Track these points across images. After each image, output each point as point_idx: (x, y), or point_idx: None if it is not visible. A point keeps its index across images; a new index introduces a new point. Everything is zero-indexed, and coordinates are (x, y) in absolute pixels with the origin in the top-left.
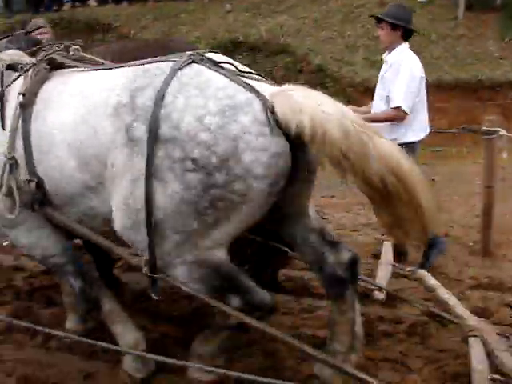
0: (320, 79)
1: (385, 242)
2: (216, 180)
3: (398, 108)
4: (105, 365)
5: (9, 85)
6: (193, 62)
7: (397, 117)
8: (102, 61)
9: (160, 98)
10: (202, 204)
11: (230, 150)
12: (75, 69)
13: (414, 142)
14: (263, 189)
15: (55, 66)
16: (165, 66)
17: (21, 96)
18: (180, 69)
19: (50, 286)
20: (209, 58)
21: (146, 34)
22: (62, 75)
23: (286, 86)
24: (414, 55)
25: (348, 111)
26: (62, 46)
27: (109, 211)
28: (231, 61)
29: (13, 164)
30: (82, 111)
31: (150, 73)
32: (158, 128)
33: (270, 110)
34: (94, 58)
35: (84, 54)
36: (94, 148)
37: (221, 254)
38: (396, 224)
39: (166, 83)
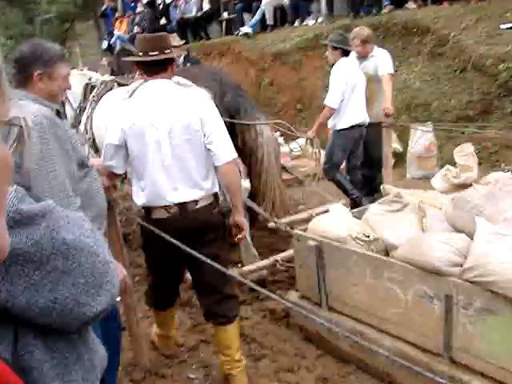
0: None
1: None
2: None
3: (326, 105)
4: None
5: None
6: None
7: (326, 112)
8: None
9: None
10: None
11: None
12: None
13: (351, 127)
14: None
15: (120, 84)
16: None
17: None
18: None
19: None
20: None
21: (466, 35)
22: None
23: None
24: (348, 64)
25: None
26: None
27: None
28: None
29: (86, 129)
30: (107, 104)
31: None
32: None
33: None
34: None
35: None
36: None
37: None
38: None
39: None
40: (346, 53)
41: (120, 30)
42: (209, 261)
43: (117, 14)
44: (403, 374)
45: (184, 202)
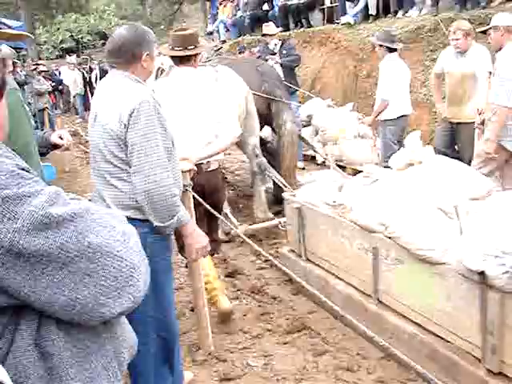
0: None
1: None
2: None
3: (381, 99)
4: None
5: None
6: None
7: (382, 105)
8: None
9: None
10: None
11: None
12: None
13: (398, 117)
14: None
15: None
16: None
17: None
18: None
19: None
20: None
21: None
22: None
23: None
24: (396, 61)
25: None
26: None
27: None
28: None
29: None
30: None
31: None
32: None
33: None
34: None
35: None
36: None
37: None
38: None
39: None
40: (390, 50)
41: (223, 13)
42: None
43: None
44: (349, 313)
45: (200, 163)
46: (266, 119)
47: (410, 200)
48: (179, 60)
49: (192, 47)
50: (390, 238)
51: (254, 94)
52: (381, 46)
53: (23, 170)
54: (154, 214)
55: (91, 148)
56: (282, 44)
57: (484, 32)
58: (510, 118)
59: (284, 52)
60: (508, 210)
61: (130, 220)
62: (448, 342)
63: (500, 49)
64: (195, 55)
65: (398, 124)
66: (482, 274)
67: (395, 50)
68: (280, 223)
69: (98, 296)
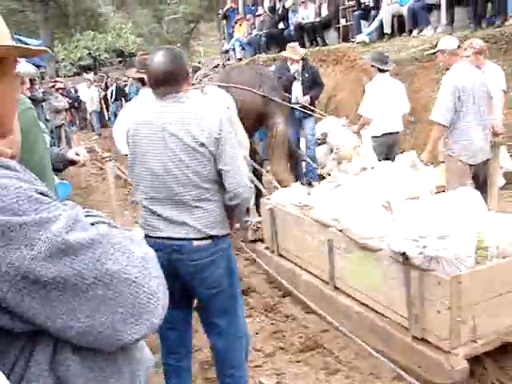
0: None
1: None
2: None
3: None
4: None
5: None
6: None
7: (363, 120)
8: None
9: None
10: None
11: None
12: None
13: (383, 134)
14: None
15: None
16: None
17: None
18: None
19: None
20: None
21: None
22: None
23: None
24: (383, 81)
25: None
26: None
27: None
28: None
29: None
30: None
31: None
32: None
33: None
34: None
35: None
36: None
37: None
38: None
39: None
40: (380, 70)
41: (239, 32)
42: None
43: (237, 17)
44: (311, 299)
45: None
46: (261, 121)
47: (358, 199)
48: (142, 82)
49: None
50: (340, 230)
51: (254, 92)
52: (372, 66)
53: (42, 194)
54: (240, 205)
55: (151, 177)
56: (304, 63)
57: (433, 54)
58: (461, 134)
59: (307, 75)
60: (431, 205)
61: (216, 238)
62: (386, 317)
63: (448, 69)
64: None
65: (380, 141)
66: (404, 255)
67: (386, 71)
68: (249, 221)
69: (114, 323)
